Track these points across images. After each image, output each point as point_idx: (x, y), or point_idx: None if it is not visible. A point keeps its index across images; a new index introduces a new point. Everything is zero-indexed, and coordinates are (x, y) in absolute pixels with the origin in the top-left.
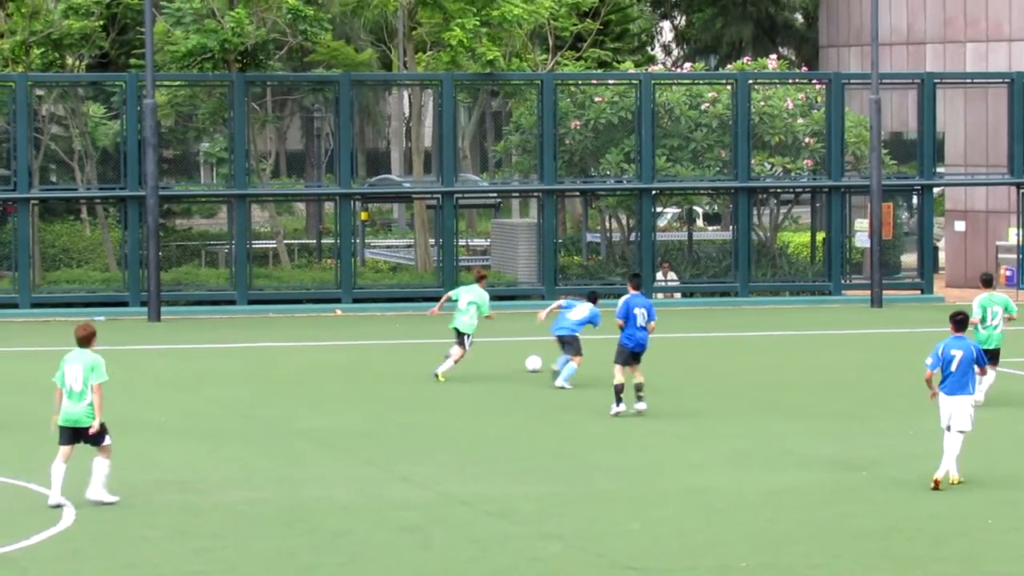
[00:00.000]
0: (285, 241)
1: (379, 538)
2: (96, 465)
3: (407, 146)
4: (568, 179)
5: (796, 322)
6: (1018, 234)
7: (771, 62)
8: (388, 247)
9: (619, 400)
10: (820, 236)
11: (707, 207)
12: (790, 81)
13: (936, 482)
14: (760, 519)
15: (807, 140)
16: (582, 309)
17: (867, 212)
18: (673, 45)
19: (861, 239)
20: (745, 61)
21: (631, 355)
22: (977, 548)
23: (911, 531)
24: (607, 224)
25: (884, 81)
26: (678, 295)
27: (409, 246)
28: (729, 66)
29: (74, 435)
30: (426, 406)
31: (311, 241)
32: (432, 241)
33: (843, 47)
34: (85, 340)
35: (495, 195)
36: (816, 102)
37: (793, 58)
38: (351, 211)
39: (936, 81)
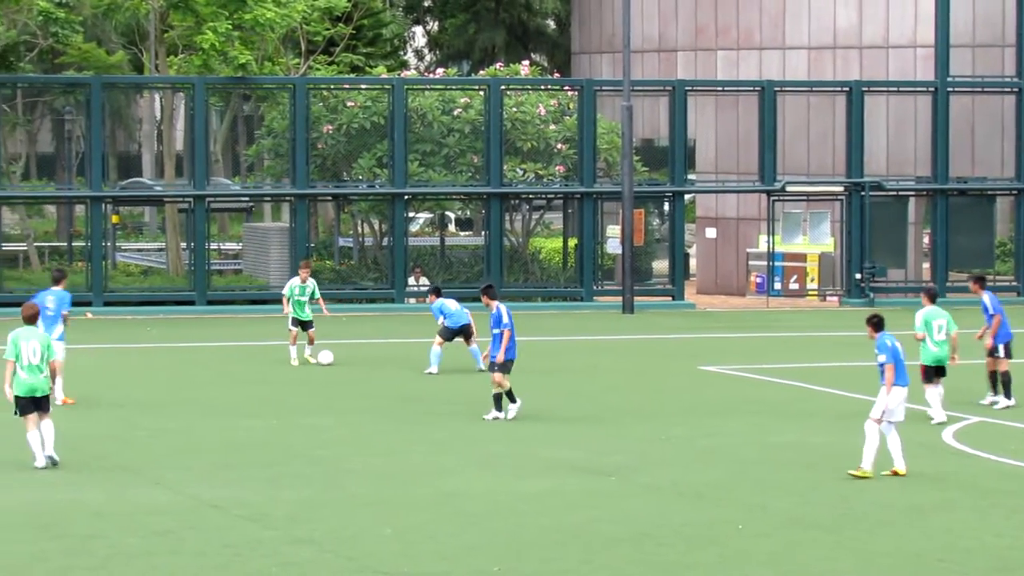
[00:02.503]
0: (36, 244)
1: (131, 542)
2: (48, 427)
3: (159, 149)
4: (320, 183)
5: (548, 328)
6: (768, 241)
7: (524, 68)
8: (139, 251)
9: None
10: (572, 242)
11: (459, 212)
12: (542, 87)
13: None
14: (512, 524)
15: (559, 146)
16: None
17: (619, 218)
18: (426, 50)
19: (613, 245)
20: (498, 67)
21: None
22: (728, 554)
23: (662, 537)
24: (359, 229)
25: (636, 88)
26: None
27: (161, 250)
28: (482, 72)
29: (35, 403)
30: (177, 410)
31: (62, 244)
32: (184, 245)
33: (595, 54)
34: (32, 318)
35: (247, 199)
36: (568, 108)
37: (546, 64)
38: (102, 214)
39: (687, 88)
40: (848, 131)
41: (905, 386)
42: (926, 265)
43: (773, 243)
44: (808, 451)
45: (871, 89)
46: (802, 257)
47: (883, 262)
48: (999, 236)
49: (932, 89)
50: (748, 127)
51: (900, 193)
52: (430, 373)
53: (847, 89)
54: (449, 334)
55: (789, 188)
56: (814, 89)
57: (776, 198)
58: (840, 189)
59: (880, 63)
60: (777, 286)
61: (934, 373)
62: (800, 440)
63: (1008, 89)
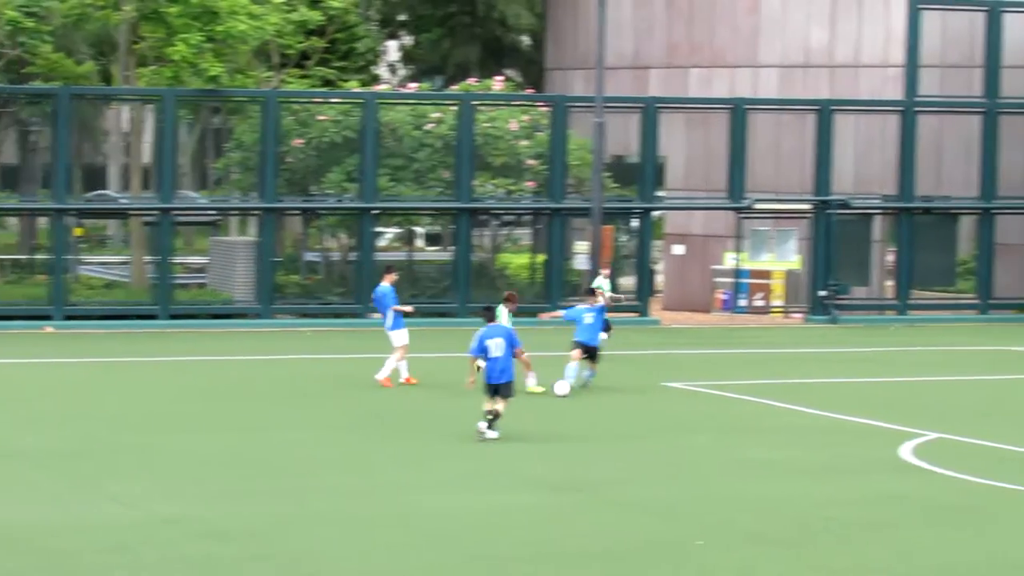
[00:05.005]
0: None
1: (89, 559)
2: None
3: (125, 162)
4: (288, 198)
5: None
6: (735, 258)
7: (497, 83)
8: (103, 263)
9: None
10: (540, 258)
11: (428, 227)
12: (515, 103)
13: None
14: (478, 541)
15: (530, 162)
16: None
17: (587, 234)
18: (400, 65)
19: (580, 261)
20: (471, 82)
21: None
22: (688, 571)
23: (623, 553)
24: (327, 243)
25: (608, 105)
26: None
27: (124, 263)
28: (454, 87)
29: None
30: (139, 425)
31: (23, 257)
32: (148, 258)
33: (569, 70)
34: None
35: (214, 212)
36: (540, 124)
37: (520, 80)
38: (64, 227)
39: (659, 106)
40: (817, 150)
41: None
42: (889, 283)
43: (740, 260)
44: (771, 467)
45: (840, 108)
46: (768, 274)
47: (847, 280)
48: (961, 255)
49: (900, 109)
50: (718, 145)
51: (866, 211)
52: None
53: (817, 108)
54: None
55: (757, 206)
56: (784, 108)
57: (744, 215)
58: (807, 207)
59: (850, 82)
60: (742, 303)
61: None
62: (763, 456)
63: (975, 109)
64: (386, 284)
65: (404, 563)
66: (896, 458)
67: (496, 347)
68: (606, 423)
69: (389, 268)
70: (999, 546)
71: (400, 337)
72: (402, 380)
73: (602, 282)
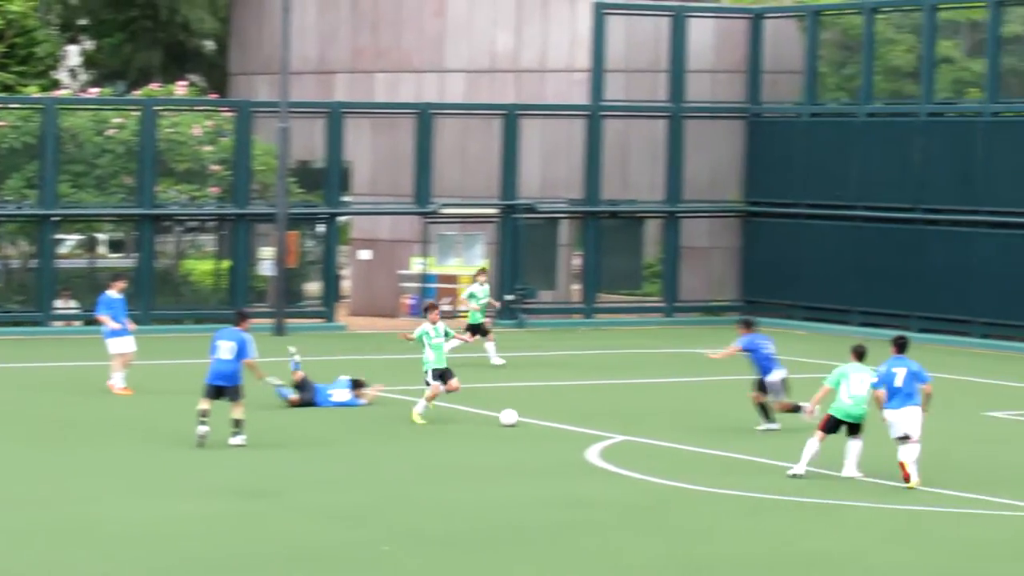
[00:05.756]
0: None
1: None
2: None
3: None
4: None
5: (197, 350)
6: (422, 263)
7: (180, 88)
8: None
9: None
10: (225, 264)
11: (111, 234)
12: (198, 108)
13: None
14: (150, 550)
15: (214, 168)
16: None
17: (273, 240)
18: (81, 70)
19: (266, 267)
20: (153, 87)
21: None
22: None
23: (305, 560)
24: (6, 251)
25: (293, 110)
26: (78, 323)
27: None
28: (137, 92)
29: None
30: None
31: None
32: None
33: (253, 75)
34: None
35: None
36: (224, 130)
37: (203, 85)
38: None
39: (344, 111)
40: (503, 154)
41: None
42: (576, 287)
43: (427, 265)
44: (458, 471)
45: (527, 112)
46: (455, 279)
47: (534, 284)
48: (647, 258)
49: (587, 113)
50: (404, 149)
51: (552, 215)
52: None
53: (503, 112)
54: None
55: (444, 210)
56: (470, 112)
57: (431, 220)
58: (494, 211)
59: (537, 87)
60: None
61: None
62: (450, 461)
63: (661, 113)
64: (113, 293)
65: (80, 573)
66: (583, 461)
67: (226, 349)
68: (297, 429)
69: (117, 276)
70: (682, 546)
71: (118, 345)
72: (116, 389)
73: (477, 289)
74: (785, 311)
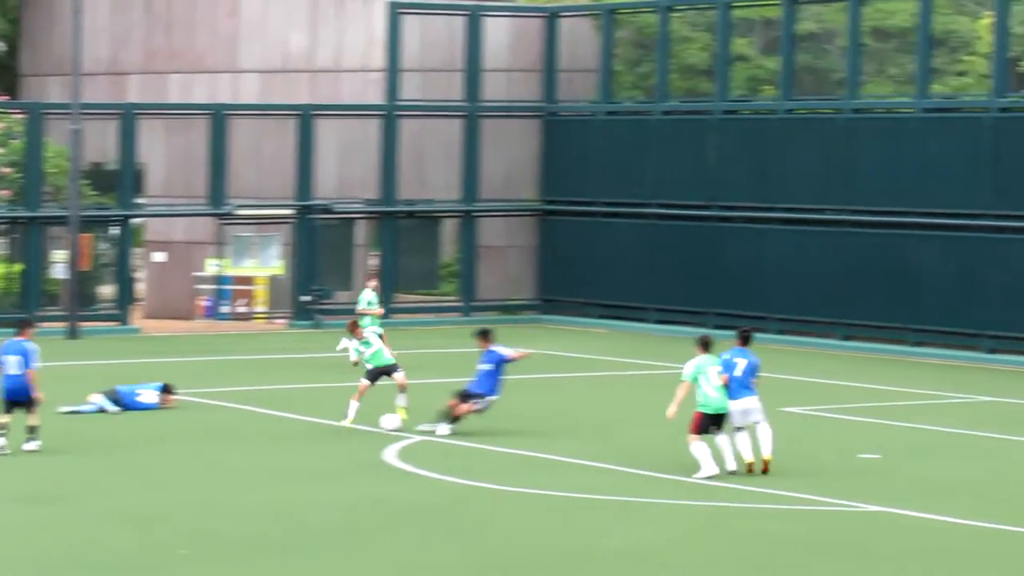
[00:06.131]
0: None
1: None
2: None
3: None
4: None
5: None
6: (217, 265)
7: None
8: None
9: None
10: (17, 268)
11: None
12: None
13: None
14: None
15: (4, 170)
16: None
17: (66, 243)
18: None
19: (58, 270)
20: None
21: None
22: None
23: (96, 565)
24: None
25: (85, 111)
26: None
27: None
28: None
29: None
30: None
31: None
32: None
33: (45, 76)
34: None
35: None
36: (15, 132)
37: None
38: None
39: (137, 112)
40: (299, 154)
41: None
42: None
43: (222, 267)
44: (256, 473)
45: (322, 112)
46: (251, 280)
47: (330, 284)
48: (444, 257)
49: (382, 113)
50: (199, 150)
51: (349, 216)
52: None
53: (298, 113)
54: None
55: (239, 212)
56: (265, 113)
57: (226, 221)
58: (290, 212)
59: (332, 87)
60: (225, 309)
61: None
62: (248, 463)
63: (456, 113)
64: None
65: None
66: (380, 461)
67: (13, 364)
68: (83, 435)
69: None
70: (480, 546)
71: None
72: None
73: (371, 296)
74: (582, 309)
